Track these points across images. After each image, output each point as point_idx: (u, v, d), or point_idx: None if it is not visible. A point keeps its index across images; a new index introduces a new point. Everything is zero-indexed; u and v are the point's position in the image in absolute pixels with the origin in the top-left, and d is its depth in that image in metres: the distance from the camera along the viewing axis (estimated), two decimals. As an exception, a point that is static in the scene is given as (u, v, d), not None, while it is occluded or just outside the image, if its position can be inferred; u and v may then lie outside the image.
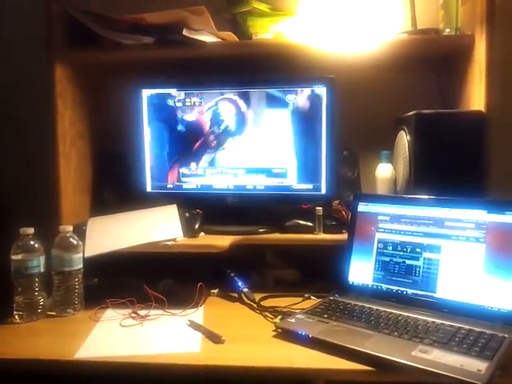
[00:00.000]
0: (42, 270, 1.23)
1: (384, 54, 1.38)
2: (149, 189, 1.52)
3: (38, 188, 1.42)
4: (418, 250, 1.18)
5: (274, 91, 1.41)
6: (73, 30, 1.38)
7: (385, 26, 1.37)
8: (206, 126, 1.47)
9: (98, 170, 1.57)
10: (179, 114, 1.48)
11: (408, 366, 0.88)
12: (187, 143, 1.48)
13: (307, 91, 1.39)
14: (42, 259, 1.23)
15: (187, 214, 1.40)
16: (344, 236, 1.32)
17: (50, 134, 1.35)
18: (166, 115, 1.49)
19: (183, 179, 1.50)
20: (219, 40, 1.36)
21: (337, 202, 1.42)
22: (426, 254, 1.17)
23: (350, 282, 1.27)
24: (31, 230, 1.22)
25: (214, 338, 1.04)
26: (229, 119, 1.45)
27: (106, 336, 1.10)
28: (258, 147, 1.44)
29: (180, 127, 1.48)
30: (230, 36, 1.36)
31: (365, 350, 0.94)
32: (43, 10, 1.33)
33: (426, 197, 1.19)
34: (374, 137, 1.46)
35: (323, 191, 1.40)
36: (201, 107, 1.46)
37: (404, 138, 1.32)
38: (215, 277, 1.37)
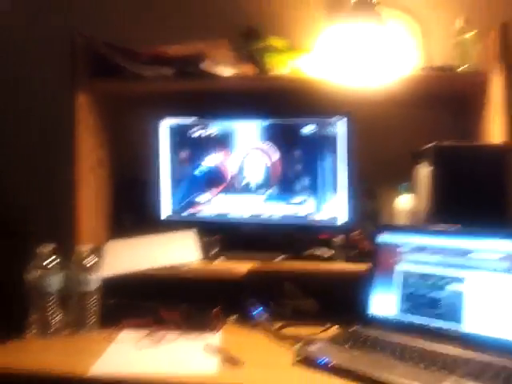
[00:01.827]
0: (59, 288, 1.22)
1: (400, 90, 1.41)
2: (165, 216, 1.52)
3: (58, 210, 1.43)
4: (442, 281, 1.15)
5: (292, 123, 1.43)
6: (96, 61, 1.43)
7: (401, 62, 1.40)
8: (229, 174, 1.48)
9: (116, 196, 1.58)
10: (200, 149, 1.49)
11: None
12: (208, 185, 1.49)
13: (325, 124, 1.41)
14: (59, 277, 1.22)
15: (205, 239, 1.40)
16: (364, 266, 1.30)
17: (71, 158, 1.38)
18: (185, 147, 1.51)
19: (199, 208, 1.51)
20: (237, 73, 1.39)
21: (356, 232, 1.40)
22: (450, 286, 1.13)
23: (371, 314, 1.23)
24: (50, 248, 1.22)
25: (232, 361, 1.01)
26: (255, 174, 1.47)
27: (121, 355, 1.07)
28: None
29: (202, 167, 1.49)
30: (251, 69, 1.39)
31: (391, 381, 0.90)
32: (68, 41, 1.39)
33: (451, 226, 1.18)
34: (392, 170, 1.45)
35: (343, 221, 1.39)
36: (224, 145, 1.49)
37: (423, 170, 1.32)
38: (233, 304, 1.34)
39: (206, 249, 1.37)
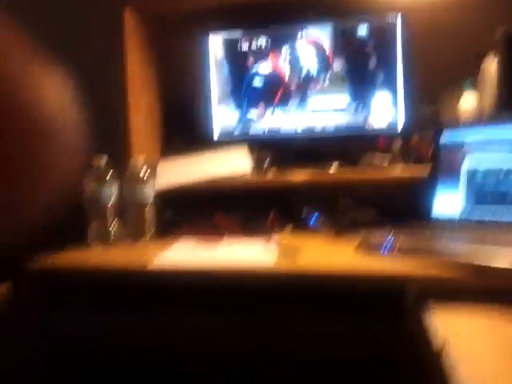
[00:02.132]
0: (115, 200, 1.23)
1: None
2: (216, 136, 1.49)
3: (111, 125, 1.42)
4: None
5: (346, 25, 1.35)
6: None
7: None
8: (286, 75, 1.41)
9: (166, 117, 1.56)
10: (251, 61, 1.43)
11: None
12: (264, 96, 1.43)
13: (380, 22, 1.32)
14: (115, 188, 1.23)
15: (257, 154, 1.36)
16: (424, 170, 1.23)
17: (121, 72, 1.37)
18: (235, 62, 1.45)
19: (251, 125, 1.46)
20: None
21: (416, 137, 1.32)
22: (524, 177, 1.06)
23: (435, 217, 1.17)
24: (104, 160, 1.23)
25: (291, 254, 0.99)
26: (310, 63, 1.39)
27: (180, 253, 1.08)
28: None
29: (255, 79, 1.43)
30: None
31: (462, 259, 0.85)
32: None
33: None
34: (453, 72, 1.35)
35: (401, 126, 1.32)
36: (275, 52, 1.42)
37: (489, 64, 1.22)
38: (288, 214, 1.31)
39: (258, 162, 1.34)
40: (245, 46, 1.43)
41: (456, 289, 0.82)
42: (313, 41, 1.37)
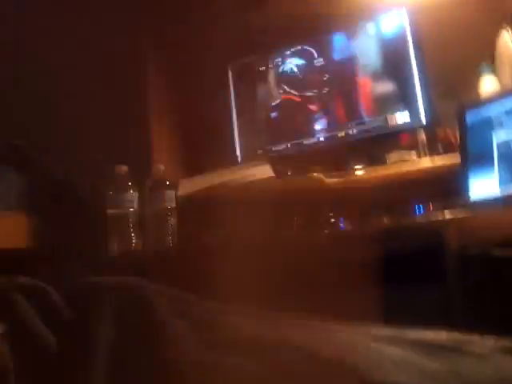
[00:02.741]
0: (136, 207, 1.21)
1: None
2: (239, 157, 1.50)
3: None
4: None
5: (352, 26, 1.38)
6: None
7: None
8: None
9: (192, 144, 1.59)
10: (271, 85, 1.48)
11: None
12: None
13: (387, 17, 1.34)
14: (135, 196, 1.22)
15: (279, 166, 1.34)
16: (454, 158, 1.17)
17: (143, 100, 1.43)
18: (255, 86, 1.50)
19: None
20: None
21: (439, 129, 1.28)
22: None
23: (473, 200, 1.09)
24: (125, 168, 1.23)
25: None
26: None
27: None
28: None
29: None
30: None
31: None
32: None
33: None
34: (471, 61, 1.33)
35: (422, 117, 1.28)
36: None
37: (506, 38, 1.20)
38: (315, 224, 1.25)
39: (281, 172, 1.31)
40: (260, 69, 1.49)
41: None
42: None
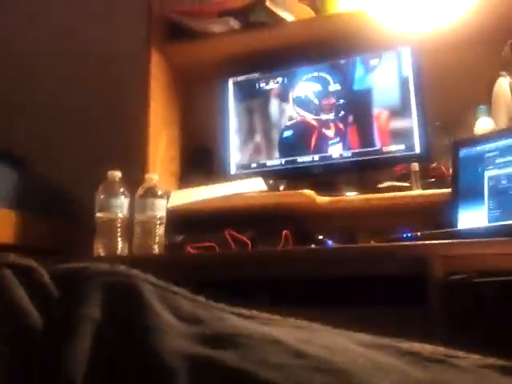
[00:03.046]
0: (125, 214, 1.21)
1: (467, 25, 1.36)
2: (233, 171, 1.50)
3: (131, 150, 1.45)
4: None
5: (357, 60, 1.41)
6: (169, 28, 1.53)
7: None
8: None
9: (184, 158, 1.59)
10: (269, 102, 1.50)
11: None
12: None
13: (391, 56, 1.38)
14: (126, 202, 1.22)
15: (271, 181, 1.35)
16: (446, 190, 1.18)
17: (144, 107, 1.43)
18: (253, 103, 1.52)
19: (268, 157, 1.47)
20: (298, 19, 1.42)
21: (433, 164, 1.30)
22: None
23: (460, 230, 1.09)
24: (118, 174, 1.23)
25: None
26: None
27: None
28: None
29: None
30: (307, 10, 1.42)
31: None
32: (145, 10, 1.51)
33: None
34: (467, 98, 1.36)
35: (417, 150, 1.30)
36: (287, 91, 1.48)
37: (503, 83, 1.23)
38: (302, 238, 1.25)
39: (274, 188, 1.32)
40: (262, 87, 1.51)
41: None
42: (323, 76, 1.44)
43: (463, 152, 1.17)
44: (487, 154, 1.12)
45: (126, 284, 0.30)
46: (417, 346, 0.32)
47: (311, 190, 1.29)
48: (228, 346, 0.28)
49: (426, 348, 0.32)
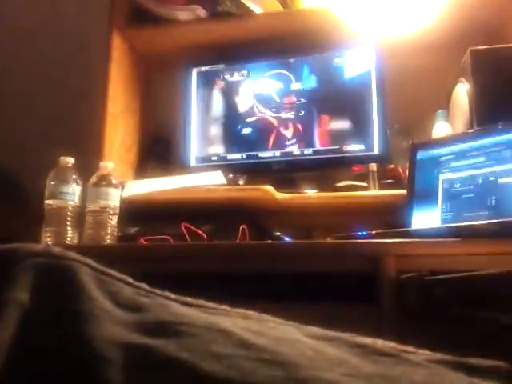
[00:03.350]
0: (76, 202, 1.16)
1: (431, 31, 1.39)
2: (193, 163, 1.47)
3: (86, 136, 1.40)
4: (492, 178, 1.05)
5: (320, 57, 1.41)
6: (134, 11, 1.48)
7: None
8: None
9: (142, 147, 1.55)
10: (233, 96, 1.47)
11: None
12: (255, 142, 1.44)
13: (355, 54, 1.38)
14: (78, 190, 1.16)
15: (231, 175, 1.33)
16: (402, 192, 1.20)
17: (103, 92, 1.38)
18: (217, 95, 1.49)
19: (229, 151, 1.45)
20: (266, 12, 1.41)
21: (391, 166, 1.32)
22: (502, 180, 1.03)
23: (413, 229, 1.11)
24: (71, 160, 1.18)
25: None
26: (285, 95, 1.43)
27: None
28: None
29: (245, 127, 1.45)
30: (275, 4, 1.41)
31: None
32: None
33: (495, 125, 1.10)
34: (425, 107, 1.40)
35: (376, 151, 1.31)
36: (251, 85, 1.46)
37: (461, 90, 1.26)
38: (259, 233, 1.24)
39: (233, 182, 1.30)
40: (225, 79, 1.48)
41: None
42: (286, 73, 1.43)
43: (420, 154, 1.19)
44: (443, 158, 1.14)
45: (60, 266, 0.28)
46: (368, 340, 0.31)
47: (271, 186, 1.29)
48: (169, 335, 0.26)
49: (377, 342, 0.31)
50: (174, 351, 0.25)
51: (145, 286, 0.30)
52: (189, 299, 0.30)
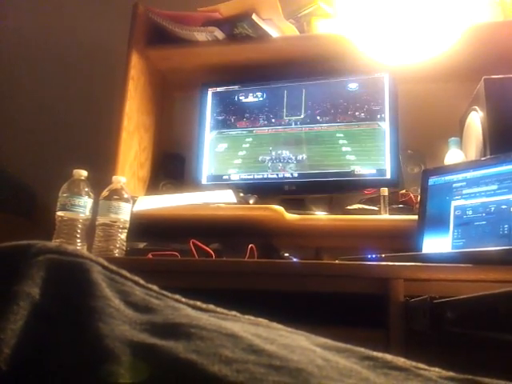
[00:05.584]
0: (87, 215, 1.16)
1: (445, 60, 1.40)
2: (204, 181, 1.48)
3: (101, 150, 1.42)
4: (504, 206, 1.04)
5: (334, 82, 1.43)
6: (154, 31, 1.52)
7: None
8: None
9: (155, 164, 1.56)
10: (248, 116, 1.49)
11: None
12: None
13: (369, 79, 1.40)
14: (89, 203, 1.17)
15: (241, 194, 1.33)
16: (413, 217, 1.19)
17: (119, 108, 1.40)
18: (232, 114, 1.51)
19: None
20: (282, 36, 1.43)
21: (403, 191, 1.31)
22: (513, 208, 1.02)
23: (423, 254, 1.10)
24: (84, 173, 1.19)
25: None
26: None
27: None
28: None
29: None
30: (292, 29, 1.43)
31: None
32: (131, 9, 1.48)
33: (508, 153, 1.09)
34: (439, 134, 1.40)
35: (388, 176, 1.31)
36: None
37: (475, 118, 1.26)
38: (268, 256, 1.23)
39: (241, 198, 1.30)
40: (241, 100, 1.50)
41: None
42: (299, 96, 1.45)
43: (432, 180, 1.19)
44: (455, 185, 1.14)
45: (73, 263, 0.28)
46: (379, 354, 0.31)
47: (281, 206, 1.29)
48: (179, 337, 0.26)
49: (388, 356, 0.31)
50: (183, 353, 0.25)
51: (155, 287, 0.30)
52: (199, 303, 0.30)
